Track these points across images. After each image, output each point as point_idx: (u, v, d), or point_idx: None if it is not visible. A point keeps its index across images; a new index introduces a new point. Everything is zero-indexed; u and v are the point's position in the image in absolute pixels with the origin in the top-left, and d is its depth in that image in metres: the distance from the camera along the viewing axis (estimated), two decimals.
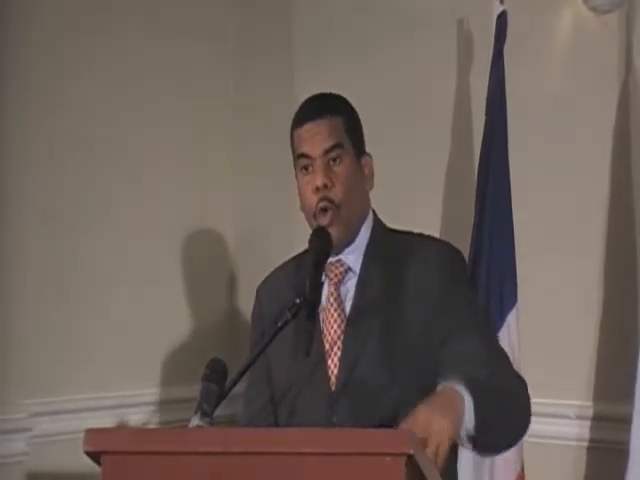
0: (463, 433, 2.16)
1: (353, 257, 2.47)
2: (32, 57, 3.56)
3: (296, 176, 2.50)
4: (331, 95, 2.55)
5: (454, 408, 2.13)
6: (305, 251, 2.52)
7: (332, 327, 2.44)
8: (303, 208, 2.47)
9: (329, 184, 2.40)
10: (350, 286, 2.46)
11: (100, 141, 3.79)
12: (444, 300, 2.37)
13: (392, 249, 2.45)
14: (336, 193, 2.41)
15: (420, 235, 2.51)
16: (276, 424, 2.50)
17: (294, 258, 2.61)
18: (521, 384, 2.40)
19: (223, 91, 4.23)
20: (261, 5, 4.24)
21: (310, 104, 2.51)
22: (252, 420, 2.54)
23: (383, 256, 2.45)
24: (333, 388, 2.42)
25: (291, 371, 2.45)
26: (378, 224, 2.51)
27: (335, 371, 2.43)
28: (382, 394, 2.40)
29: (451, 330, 2.35)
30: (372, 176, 2.51)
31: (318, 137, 2.42)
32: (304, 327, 2.30)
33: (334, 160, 2.43)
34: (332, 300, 2.45)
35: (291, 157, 2.50)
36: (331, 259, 2.45)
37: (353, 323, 2.43)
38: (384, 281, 2.41)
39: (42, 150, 3.61)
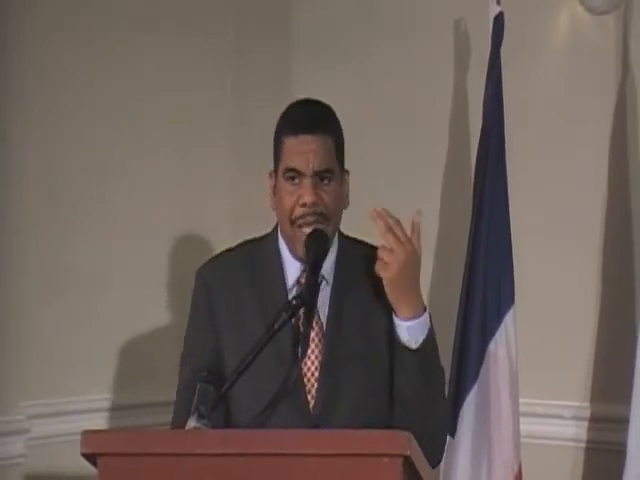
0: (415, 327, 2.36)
1: (326, 267, 2.49)
2: (31, 56, 3.55)
3: (274, 175, 2.51)
4: (324, 107, 2.54)
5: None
6: (255, 240, 2.57)
7: (310, 337, 2.44)
8: (278, 209, 2.49)
9: (318, 202, 2.42)
10: (325, 295, 2.48)
11: (98, 139, 3.78)
12: None
13: (359, 259, 2.50)
14: (325, 208, 2.44)
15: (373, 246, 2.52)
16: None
17: (243, 245, 2.61)
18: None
19: (222, 90, 4.22)
20: (260, 5, 4.24)
21: (304, 113, 2.51)
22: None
23: (352, 266, 2.50)
24: (312, 405, 2.43)
25: (260, 378, 2.38)
26: (341, 235, 2.56)
27: (314, 386, 2.44)
28: (365, 408, 2.43)
29: None
30: (348, 194, 2.55)
31: (311, 155, 2.43)
32: (293, 329, 2.33)
33: (322, 180, 2.45)
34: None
35: None
36: (305, 266, 2.47)
37: (330, 331, 2.46)
38: (356, 289, 2.47)
39: (41, 148, 3.60)
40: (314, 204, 2.42)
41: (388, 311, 2.42)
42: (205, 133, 4.14)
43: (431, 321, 2.45)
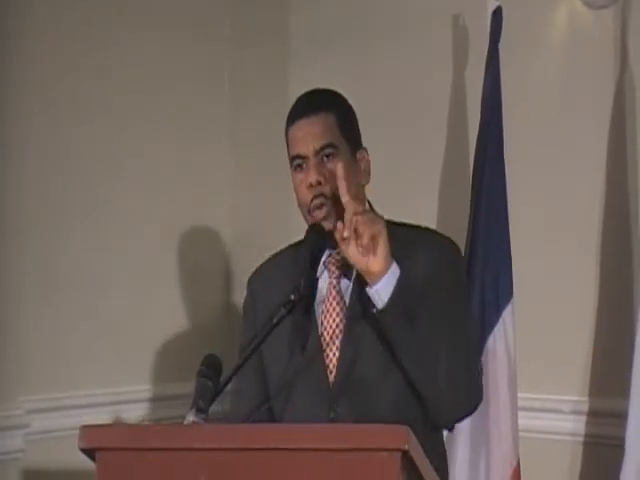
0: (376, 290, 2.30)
1: None
2: (30, 54, 3.55)
3: (292, 172, 2.51)
4: (324, 91, 2.56)
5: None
6: (300, 241, 2.55)
7: (332, 319, 2.47)
8: (299, 204, 2.50)
9: (322, 181, 2.42)
10: (350, 278, 2.49)
11: (97, 139, 3.78)
12: (439, 294, 2.40)
13: (391, 241, 2.40)
14: (330, 188, 2.42)
15: (418, 227, 2.53)
16: (271, 418, 2.51)
17: (288, 248, 2.63)
18: (475, 373, 2.48)
19: (220, 88, 4.23)
20: (257, 1, 4.24)
21: (302, 100, 2.54)
22: (243, 413, 2.50)
23: None
24: (332, 383, 2.44)
25: (287, 366, 2.46)
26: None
27: (335, 366, 2.45)
28: (381, 390, 2.42)
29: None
30: (368, 171, 2.53)
31: (310, 137, 2.44)
32: (300, 323, 2.33)
33: (327, 156, 2.44)
34: (334, 292, 2.49)
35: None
36: (332, 251, 2.48)
37: (353, 316, 2.46)
38: None
39: (41, 148, 3.61)
40: (318, 183, 2.42)
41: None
42: (204, 130, 4.15)
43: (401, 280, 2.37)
